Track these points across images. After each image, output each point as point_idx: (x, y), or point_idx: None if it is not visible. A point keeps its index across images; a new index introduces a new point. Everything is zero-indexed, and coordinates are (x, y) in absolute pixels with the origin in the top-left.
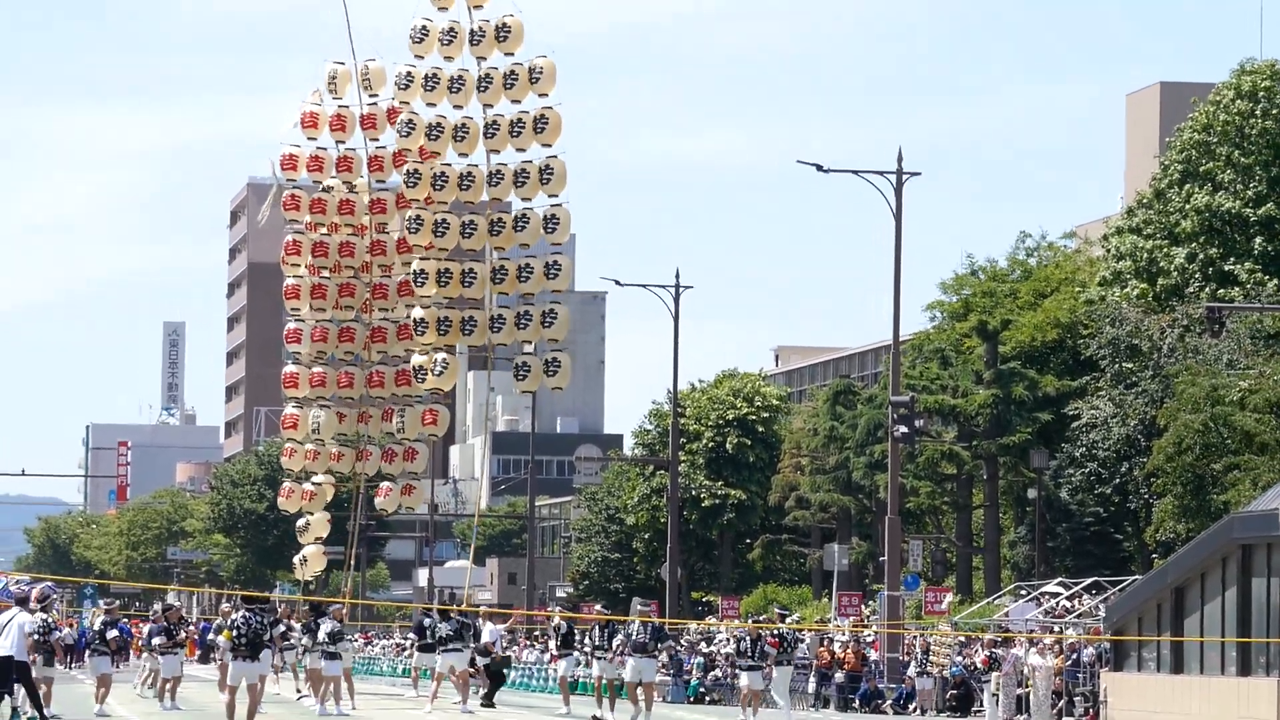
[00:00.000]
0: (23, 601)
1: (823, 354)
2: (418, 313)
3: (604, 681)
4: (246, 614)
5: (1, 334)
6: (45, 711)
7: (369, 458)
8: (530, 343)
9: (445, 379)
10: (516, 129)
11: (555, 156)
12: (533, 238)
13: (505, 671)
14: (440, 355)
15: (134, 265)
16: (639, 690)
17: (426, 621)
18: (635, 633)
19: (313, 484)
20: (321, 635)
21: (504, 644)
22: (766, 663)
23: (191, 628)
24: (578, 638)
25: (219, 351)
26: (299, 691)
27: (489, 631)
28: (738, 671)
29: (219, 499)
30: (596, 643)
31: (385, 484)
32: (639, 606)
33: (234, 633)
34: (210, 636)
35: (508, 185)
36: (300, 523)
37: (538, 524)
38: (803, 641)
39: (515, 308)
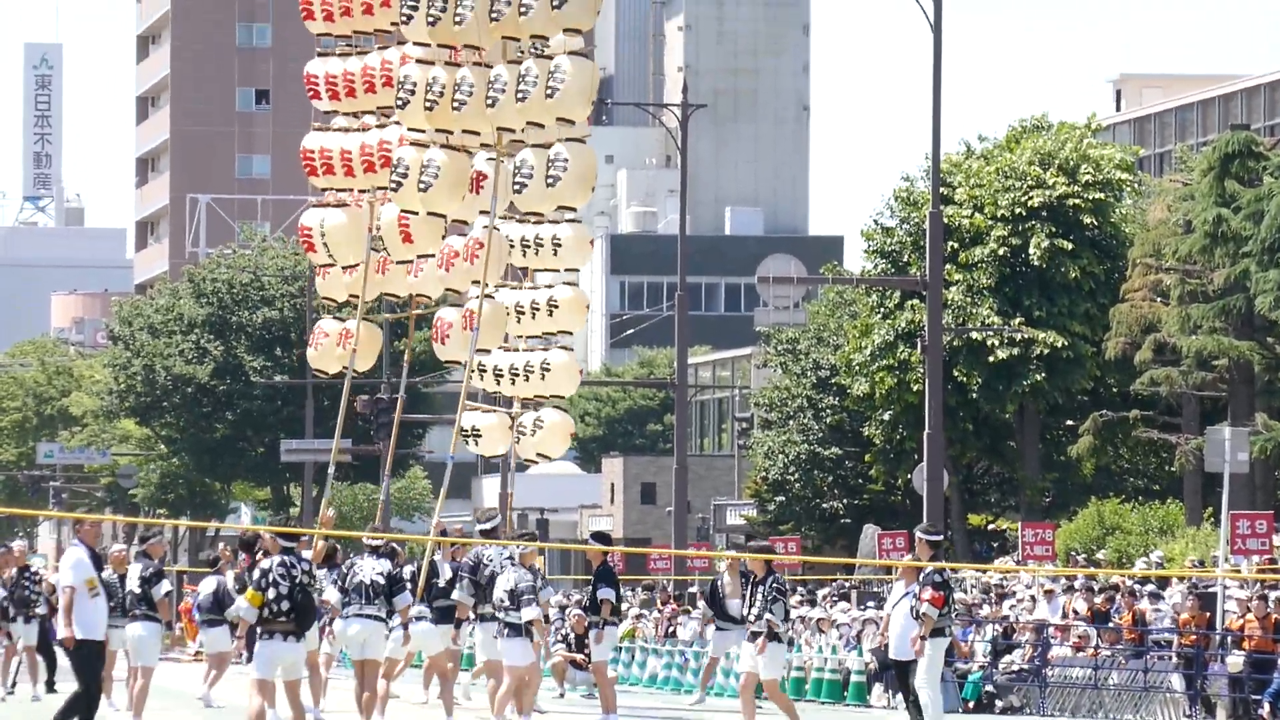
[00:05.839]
0: None
1: (1197, 88)
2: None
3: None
4: (287, 559)
5: None
6: None
7: (420, 270)
8: None
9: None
10: None
11: None
12: None
13: None
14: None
15: None
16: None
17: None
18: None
19: (333, 316)
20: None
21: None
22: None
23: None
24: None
25: (124, 96)
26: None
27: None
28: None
29: (126, 358)
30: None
31: (443, 315)
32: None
33: (267, 592)
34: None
35: None
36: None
37: (692, 396)
38: (1162, 598)
39: None
